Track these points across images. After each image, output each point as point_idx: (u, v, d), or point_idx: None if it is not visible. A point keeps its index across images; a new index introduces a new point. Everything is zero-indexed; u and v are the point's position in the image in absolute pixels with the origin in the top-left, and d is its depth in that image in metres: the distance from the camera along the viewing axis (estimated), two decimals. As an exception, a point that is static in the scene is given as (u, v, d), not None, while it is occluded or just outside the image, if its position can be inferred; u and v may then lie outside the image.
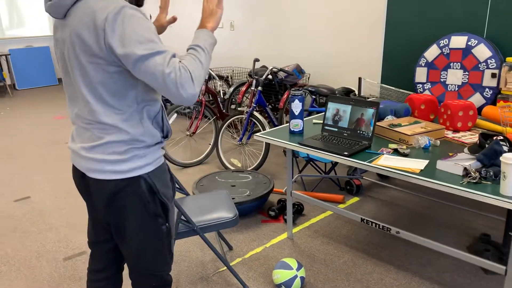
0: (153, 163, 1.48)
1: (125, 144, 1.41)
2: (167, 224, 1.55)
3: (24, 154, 4.79)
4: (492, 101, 2.87)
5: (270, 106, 5.09)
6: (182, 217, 2.19)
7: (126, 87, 1.37)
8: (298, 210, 3.20)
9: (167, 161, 1.55)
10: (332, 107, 2.55)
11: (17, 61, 8.41)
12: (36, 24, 8.77)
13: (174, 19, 1.75)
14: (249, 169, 3.93)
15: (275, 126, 4.40)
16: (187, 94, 1.30)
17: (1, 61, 8.21)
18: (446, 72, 3.04)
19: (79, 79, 1.37)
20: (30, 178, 4.09)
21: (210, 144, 4.43)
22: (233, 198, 3.08)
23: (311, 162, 3.60)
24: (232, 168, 4.09)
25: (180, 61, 1.33)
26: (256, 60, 4.32)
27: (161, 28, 1.76)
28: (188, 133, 4.43)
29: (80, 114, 1.44)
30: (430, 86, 3.13)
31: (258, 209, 3.29)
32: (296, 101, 2.59)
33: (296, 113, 2.61)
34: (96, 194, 1.47)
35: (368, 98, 3.56)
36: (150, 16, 7.29)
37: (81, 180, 1.52)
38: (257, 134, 2.63)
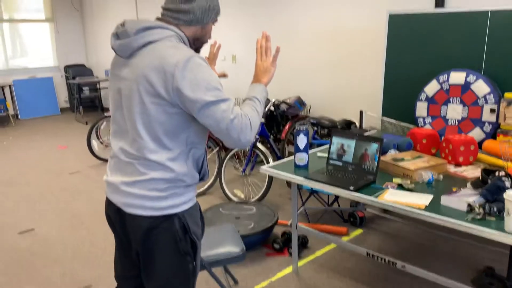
0: (189, 202, 1.55)
1: (167, 182, 1.47)
2: (194, 262, 1.59)
3: (27, 184, 4.82)
4: (492, 135, 2.94)
5: (272, 137, 5.16)
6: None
7: (181, 128, 1.46)
8: (303, 243, 3.21)
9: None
10: (336, 141, 2.61)
11: (20, 91, 8.52)
12: (39, 55, 8.93)
13: (224, 75, 1.93)
14: (252, 200, 3.96)
15: (278, 157, 4.46)
16: (245, 140, 1.44)
17: (5, 91, 8.32)
18: (446, 107, 3.12)
19: (137, 115, 1.44)
20: (34, 209, 4.11)
21: (213, 175, 4.47)
22: (238, 231, 3.10)
23: (314, 194, 3.64)
24: (235, 199, 4.12)
25: (241, 109, 1.46)
26: (259, 93, 4.42)
27: None
28: (191, 164, 4.46)
29: (125, 148, 1.50)
30: (431, 120, 3.20)
31: (262, 242, 3.31)
32: (301, 135, 2.65)
33: (301, 147, 2.67)
34: (130, 229, 1.51)
35: (369, 130, 3.63)
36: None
37: (115, 214, 1.56)
38: (263, 167, 2.68)
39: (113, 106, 1.55)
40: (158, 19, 1.55)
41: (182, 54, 1.39)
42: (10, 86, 8.21)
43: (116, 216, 1.57)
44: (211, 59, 1.91)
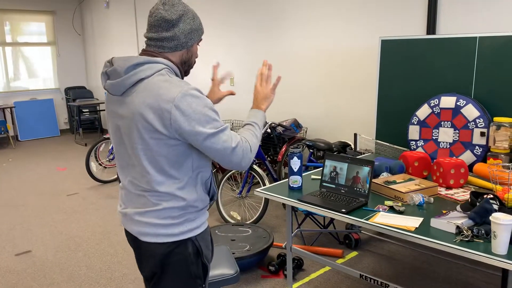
0: (201, 226, 1.58)
1: (180, 209, 1.52)
2: (203, 285, 1.61)
3: (25, 205, 4.84)
4: (483, 158, 2.99)
5: (268, 159, 5.21)
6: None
7: (184, 156, 1.49)
8: (298, 265, 3.23)
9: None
10: (329, 164, 2.66)
11: (21, 113, 8.62)
12: (41, 77, 9.06)
13: (231, 93, 1.90)
14: (248, 222, 3.98)
15: (274, 178, 4.50)
16: (245, 164, 1.50)
17: (6, 113, 8.41)
18: (437, 130, 3.19)
19: (141, 152, 1.47)
20: (31, 231, 4.13)
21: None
22: (233, 253, 3.12)
23: (310, 216, 3.67)
24: (231, 221, 4.14)
25: (240, 134, 1.52)
26: (256, 115, 4.50)
27: (218, 100, 1.91)
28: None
29: (135, 182, 1.53)
30: (423, 143, 3.26)
31: (258, 264, 3.32)
32: (295, 158, 2.70)
33: (295, 170, 2.72)
34: (146, 256, 1.55)
35: (363, 153, 3.69)
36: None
37: (133, 242, 1.60)
38: (258, 190, 2.72)
39: (115, 142, 1.58)
40: (143, 51, 1.55)
41: (176, 89, 1.41)
42: (11, 108, 8.31)
43: (134, 244, 1.61)
44: (215, 80, 1.93)
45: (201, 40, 1.62)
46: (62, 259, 3.55)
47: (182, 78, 1.60)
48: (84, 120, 8.82)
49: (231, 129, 4.90)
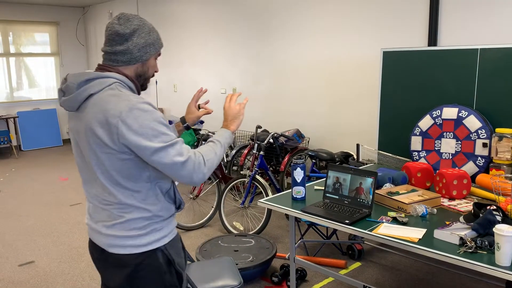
0: (169, 235, 1.59)
1: (145, 219, 1.52)
2: None
3: (28, 215, 4.85)
4: (485, 169, 3.00)
5: (271, 169, 5.23)
6: (189, 286, 2.24)
7: (139, 170, 1.49)
8: (301, 276, 3.23)
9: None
10: (332, 175, 2.67)
11: (24, 123, 8.66)
12: (43, 87, 9.11)
13: (208, 112, 1.93)
14: (251, 232, 3.99)
15: (277, 188, 4.51)
16: (198, 179, 1.49)
17: (9, 123, 8.46)
18: (440, 141, 3.20)
19: (95, 167, 1.49)
20: (35, 241, 4.13)
21: (212, 207, 4.51)
22: (236, 264, 3.12)
23: (313, 226, 3.67)
24: (234, 231, 4.14)
25: (195, 150, 1.51)
26: (258, 127, 4.52)
27: (195, 119, 1.93)
28: (191, 196, 4.52)
29: (98, 195, 1.54)
30: (425, 154, 3.27)
31: (261, 275, 3.32)
32: (298, 169, 2.72)
33: (298, 181, 2.73)
34: (115, 268, 1.55)
35: (366, 163, 3.70)
36: (156, 82, 7.61)
37: (100, 254, 1.60)
38: (261, 200, 2.73)
39: (76, 157, 1.60)
40: (99, 65, 1.57)
41: (124, 104, 1.41)
42: (14, 118, 8.35)
43: (101, 256, 1.60)
44: (194, 98, 1.95)
45: (159, 54, 1.63)
46: (65, 269, 3.55)
47: (139, 92, 1.61)
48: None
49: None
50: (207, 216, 4.44)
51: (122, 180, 1.48)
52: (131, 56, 1.54)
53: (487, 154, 2.98)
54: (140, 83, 1.62)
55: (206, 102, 1.98)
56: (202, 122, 5.64)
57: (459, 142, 3.11)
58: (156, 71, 1.65)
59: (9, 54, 8.56)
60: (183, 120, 1.95)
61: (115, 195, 1.50)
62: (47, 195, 5.66)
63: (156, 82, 7.61)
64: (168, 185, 1.60)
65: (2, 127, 8.42)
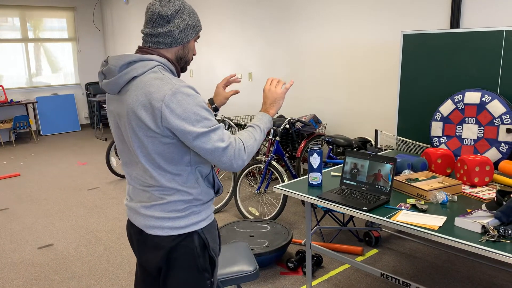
0: (207, 219, 1.59)
1: (185, 202, 1.53)
2: (211, 279, 1.62)
3: (47, 199, 4.93)
4: (509, 156, 2.91)
5: (287, 155, 5.19)
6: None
7: (180, 153, 1.49)
8: (317, 262, 3.20)
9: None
10: (350, 161, 2.62)
11: (43, 108, 8.77)
12: (61, 73, 9.19)
13: (236, 92, 1.93)
14: (267, 218, 3.97)
15: (293, 174, 4.47)
16: (237, 165, 1.48)
17: (28, 108, 8.57)
18: (461, 126, 3.11)
19: (137, 150, 1.48)
20: (53, 225, 4.19)
21: (228, 192, 4.50)
22: (252, 249, 3.11)
23: (329, 213, 3.63)
24: (250, 217, 4.13)
25: (236, 135, 1.50)
26: (275, 111, 4.47)
27: (224, 100, 1.94)
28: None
29: (139, 177, 1.55)
30: (446, 140, 3.19)
31: (276, 261, 3.31)
32: (315, 155, 2.67)
33: (315, 167, 2.68)
34: (154, 249, 1.55)
35: (384, 149, 3.63)
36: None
37: (138, 235, 1.60)
38: (277, 186, 2.70)
39: (117, 140, 1.59)
40: (139, 47, 1.55)
41: (167, 87, 1.40)
42: (33, 103, 8.46)
43: (139, 237, 1.61)
44: (225, 80, 1.96)
45: (198, 37, 1.61)
46: (83, 252, 3.60)
47: (179, 75, 1.60)
48: (104, 115, 8.92)
49: (230, 127, 4.88)
50: (223, 202, 4.44)
51: (164, 164, 1.48)
52: (173, 38, 1.51)
53: (511, 140, 2.89)
54: (181, 66, 1.61)
55: (236, 92, 1.97)
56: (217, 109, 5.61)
57: (482, 128, 3.02)
58: (194, 54, 1.63)
59: (28, 39, 8.64)
60: (211, 101, 1.96)
61: (157, 178, 1.49)
62: (65, 179, 5.73)
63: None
64: (208, 169, 1.60)
65: (22, 112, 8.55)
